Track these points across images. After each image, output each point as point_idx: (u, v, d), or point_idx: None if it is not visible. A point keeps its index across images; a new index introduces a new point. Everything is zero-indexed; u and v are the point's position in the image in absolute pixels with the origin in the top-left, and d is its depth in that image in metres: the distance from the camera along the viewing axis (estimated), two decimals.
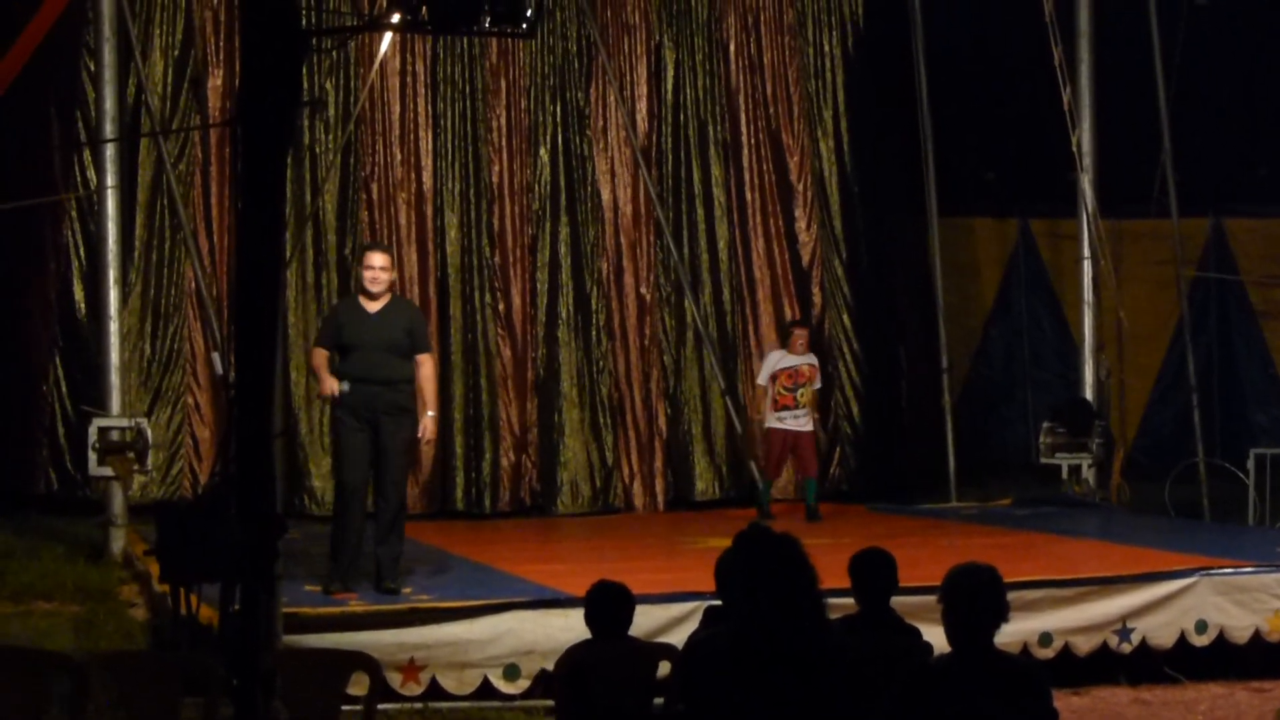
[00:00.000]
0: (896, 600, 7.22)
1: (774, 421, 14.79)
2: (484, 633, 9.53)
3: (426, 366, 10.69)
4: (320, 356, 10.62)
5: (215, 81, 15.06)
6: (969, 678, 5.67)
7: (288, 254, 14.22)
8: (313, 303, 15.18)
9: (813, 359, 15.04)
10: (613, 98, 15.91)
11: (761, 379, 15.03)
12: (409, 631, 9.45)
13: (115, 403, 13.10)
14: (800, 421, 14.80)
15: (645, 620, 8.49)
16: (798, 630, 5.38)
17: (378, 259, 10.66)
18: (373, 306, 10.53)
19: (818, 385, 15.10)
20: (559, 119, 15.92)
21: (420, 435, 10.70)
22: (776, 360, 14.89)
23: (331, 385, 10.38)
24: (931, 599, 5.96)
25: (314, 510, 14.82)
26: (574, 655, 7.21)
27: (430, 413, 10.69)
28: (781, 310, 16.39)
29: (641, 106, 16.17)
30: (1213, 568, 10.79)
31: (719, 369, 15.91)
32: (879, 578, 7.15)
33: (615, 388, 15.85)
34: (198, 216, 14.97)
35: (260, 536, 5.74)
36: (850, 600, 7.10)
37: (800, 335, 14.96)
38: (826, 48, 16.84)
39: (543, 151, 15.88)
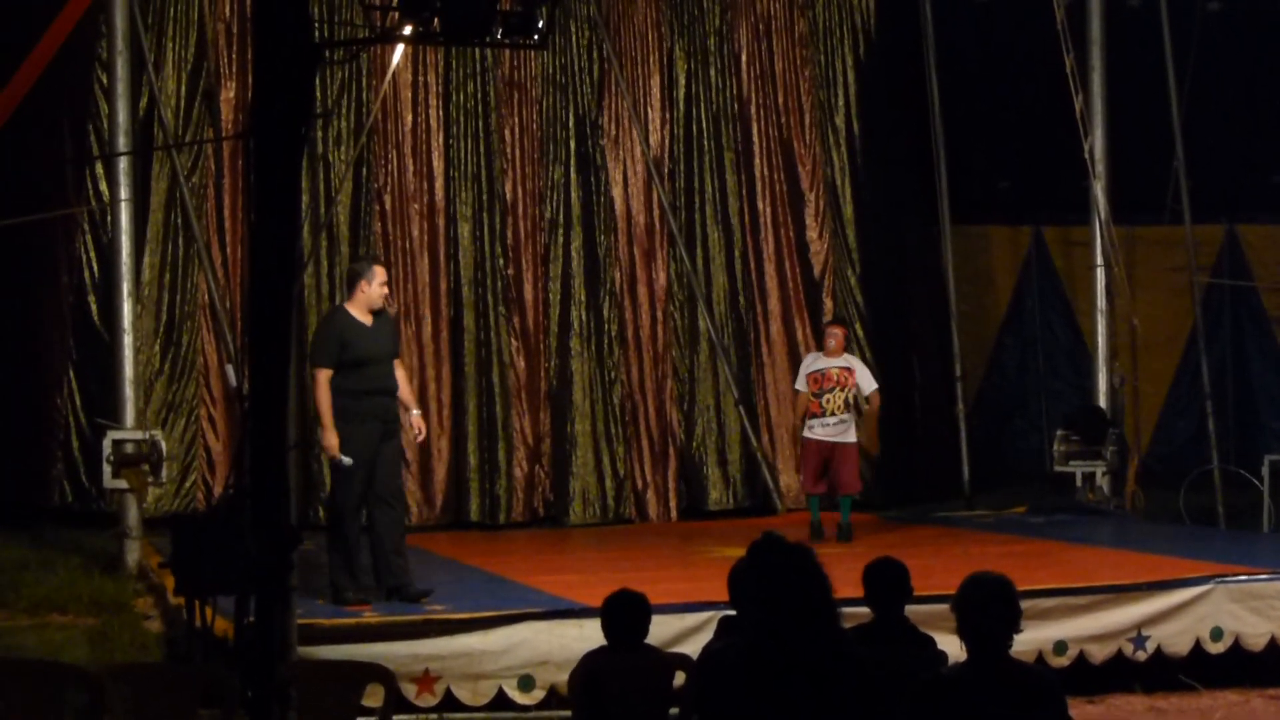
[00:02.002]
0: (911, 609, 7.22)
1: (805, 430, 13.72)
2: (498, 643, 9.53)
3: (402, 369, 10.86)
4: (328, 380, 10.35)
5: (228, 94, 15.08)
6: (983, 687, 5.66)
7: (303, 267, 14.25)
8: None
9: (848, 361, 13.82)
10: (625, 108, 15.93)
11: (798, 383, 14.00)
12: (424, 643, 9.45)
13: (129, 415, 13.11)
14: (831, 430, 13.57)
15: (660, 630, 8.47)
16: (812, 640, 5.38)
17: (385, 273, 10.69)
18: (367, 319, 10.48)
19: (869, 390, 13.78)
20: (571, 129, 15.94)
21: (417, 435, 10.95)
22: (810, 363, 13.92)
23: (335, 444, 10.27)
24: (946, 608, 5.95)
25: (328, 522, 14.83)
26: (590, 663, 7.22)
27: (416, 410, 10.89)
28: (792, 320, 16.38)
29: (654, 116, 16.18)
30: (1228, 575, 10.78)
31: (732, 378, 15.92)
32: (892, 587, 7.15)
33: (628, 398, 15.86)
34: (211, 229, 14.99)
35: (274, 549, 5.75)
36: (864, 609, 7.10)
37: (833, 334, 13.87)
38: (838, 57, 16.84)
39: (555, 162, 15.89)
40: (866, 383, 13.83)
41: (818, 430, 13.61)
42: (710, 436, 16.07)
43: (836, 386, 13.61)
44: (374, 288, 10.45)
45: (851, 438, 13.70)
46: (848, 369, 13.74)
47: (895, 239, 17.04)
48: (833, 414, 13.57)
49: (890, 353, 16.84)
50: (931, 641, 7.08)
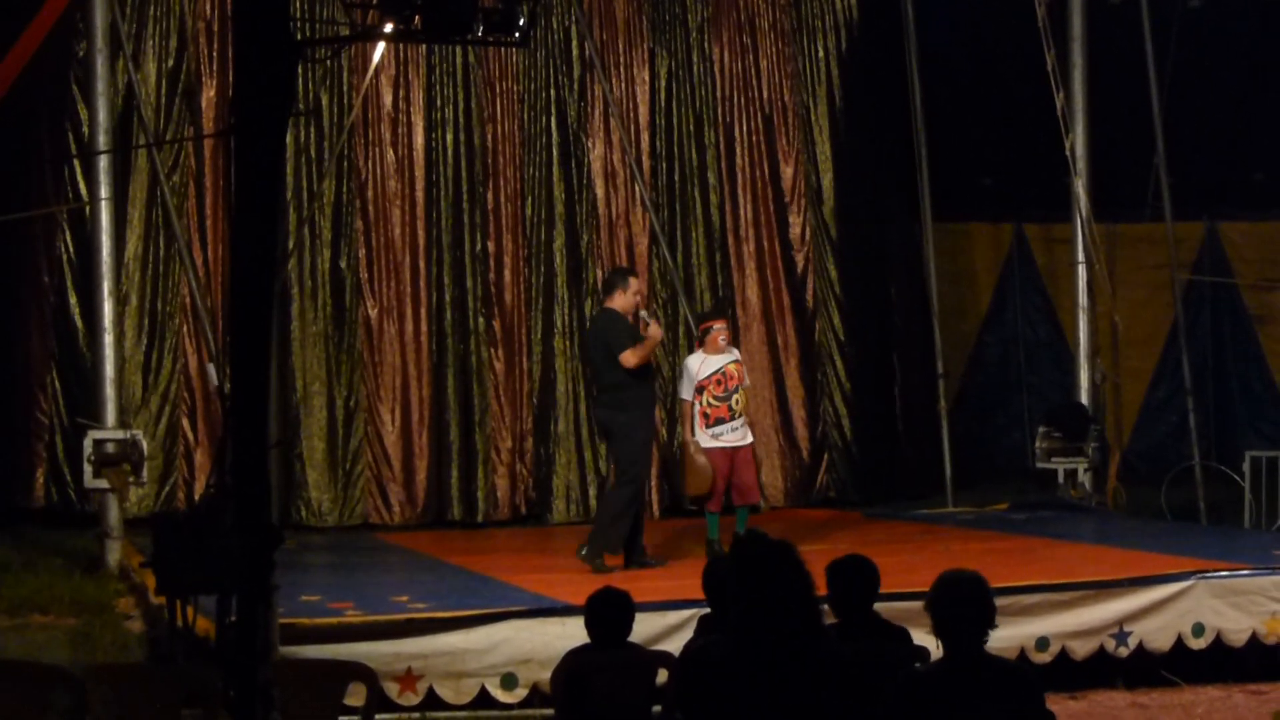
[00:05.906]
0: (892, 606, 7.21)
1: (709, 441, 12.26)
2: (481, 642, 9.53)
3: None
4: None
5: (209, 92, 15.05)
6: (960, 683, 5.67)
7: (284, 264, 14.23)
8: (310, 312, 15.16)
9: (737, 354, 12.56)
10: (607, 105, 15.91)
11: (685, 393, 12.46)
12: (406, 641, 9.44)
13: (110, 415, 13.08)
14: (739, 434, 12.33)
15: (641, 628, 8.46)
16: (793, 636, 5.38)
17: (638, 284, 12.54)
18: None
19: (747, 383, 12.63)
20: (553, 127, 15.92)
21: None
22: (697, 366, 12.39)
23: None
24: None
25: (310, 521, 14.83)
26: (573, 661, 7.22)
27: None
28: (773, 318, 16.38)
29: (636, 114, 16.17)
30: (1209, 571, 10.79)
31: None
32: (858, 584, 7.04)
33: None
34: (192, 228, 14.95)
35: (257, 548, 5.74)
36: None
37: (721, 328, 12.49)
38: (820, 53, 16.85)
39: (537, 160, 15.88)
40: (746, 375, 12.67)
41: (726, 437, 12.29)
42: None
43: (739, 384, 12.39)
44: (629, 295, 11.92)
45: (751, 437, 12.57)
46: (739, 361, 12.52)
47: (877, 236, 17.05)
48: (740, 415, 12.32)
49: (872, 350, 16.86)
50: (906, 634, 7.06)
